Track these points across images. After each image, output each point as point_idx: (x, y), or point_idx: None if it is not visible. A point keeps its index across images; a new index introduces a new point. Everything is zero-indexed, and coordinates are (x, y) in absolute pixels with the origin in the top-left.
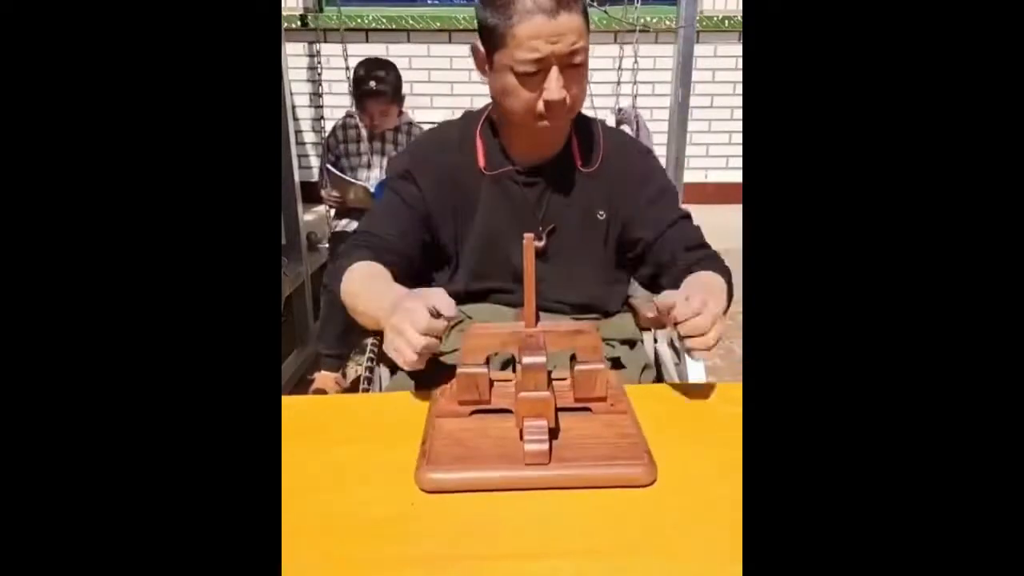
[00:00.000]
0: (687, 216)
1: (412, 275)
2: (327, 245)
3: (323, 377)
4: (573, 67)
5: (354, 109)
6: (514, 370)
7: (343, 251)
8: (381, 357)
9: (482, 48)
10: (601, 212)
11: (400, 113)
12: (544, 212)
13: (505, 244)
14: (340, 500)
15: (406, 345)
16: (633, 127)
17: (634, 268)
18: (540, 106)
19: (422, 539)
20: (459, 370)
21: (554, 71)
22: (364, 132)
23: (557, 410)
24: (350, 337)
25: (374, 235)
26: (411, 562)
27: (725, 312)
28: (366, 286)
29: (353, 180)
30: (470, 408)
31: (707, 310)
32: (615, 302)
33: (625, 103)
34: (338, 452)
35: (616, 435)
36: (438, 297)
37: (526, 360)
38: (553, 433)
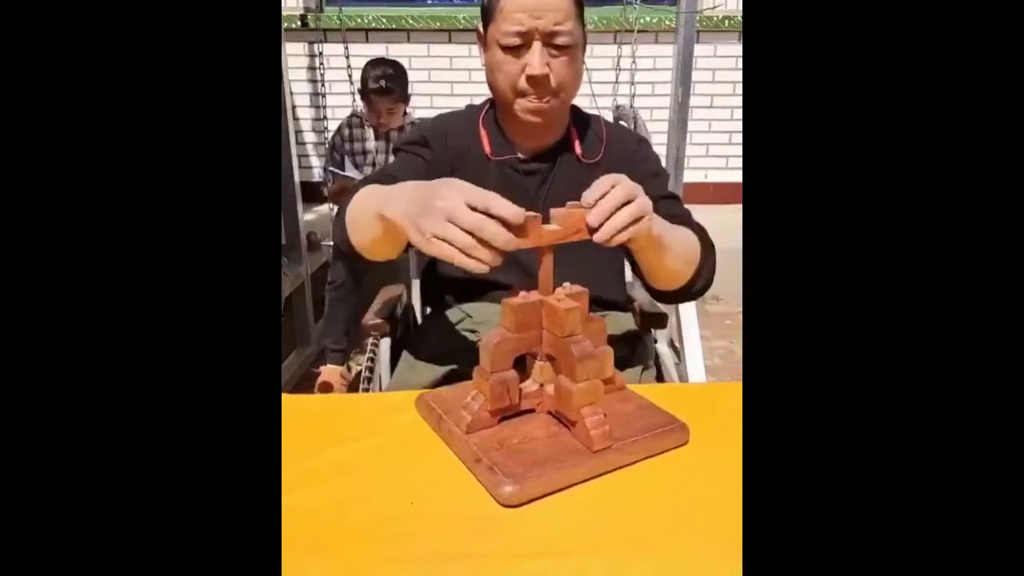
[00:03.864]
0: (674, 197)
1: None
2: (331, 243)
3: (329, 370)
4: (558, 48)
5: (360, 107)
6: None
7: (353, 192)
8: (391, 349)
9: (481, 27)
10: None
11: (405, 112)
12: (544, 201)
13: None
14: (340, 499)
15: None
16: (631, 124)
17: (625, 252)
18: (522, 82)
19: (422, 538)
20: (491, 379)
21: (536, 46)
22: (369, 131)
23: (548, 412)
24: (355, 332)
25: (388, 176)
26: (411, 561)
27: (689, 280)
28: (368, 195)
29: (354, 176)
30: (499, 416)
31: (615, 192)
32: (617, 290)
33: (623, 103)
34: (338, 451)
35: (636, 408)
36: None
37: (575, 349)
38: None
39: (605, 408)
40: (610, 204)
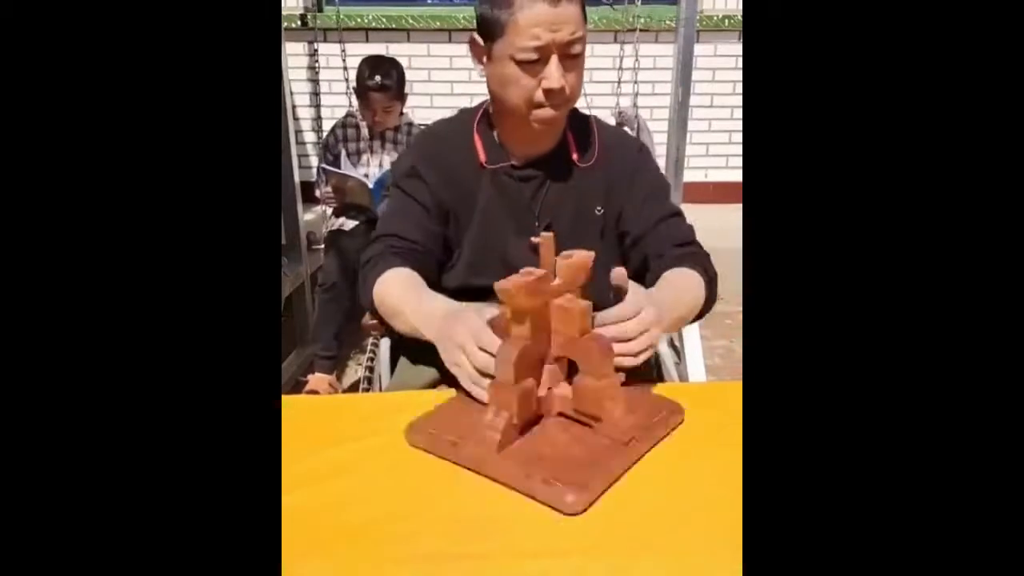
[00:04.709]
0: (678, 213)
1: (436, 272)
2: (323, 246)
3: (317, 379)
4: (571, 57)
5: (356, 108)
6: None
7: (371, 259)
8: (391, 349)
9: (480, 40)
10: (599, 207)
11: (402, 113)
12: (540, 207)
13: (502, 239)
14: (340, 499)
15: (467, 362)
16: (634, 128)
17: (623, 261)
18: (539, 95)
19: (422, 538)
20: (518, 391)
21: (554, 59)
22: (364, 131)
23: (560, 414)
24: (345, 337)
25: (397, 237)
26: (411, 560)
27: (694, 318)
28: (406, 295)
29: (349, 174)
30: (525, 428)
31: (640, 318)
32: (615, 299)
33: (625, 103)
34: (338, 452)
35: (583, 456)
36: (487, 336)
37: (599, 349)
38: (527, 429)
39: (561, 438)
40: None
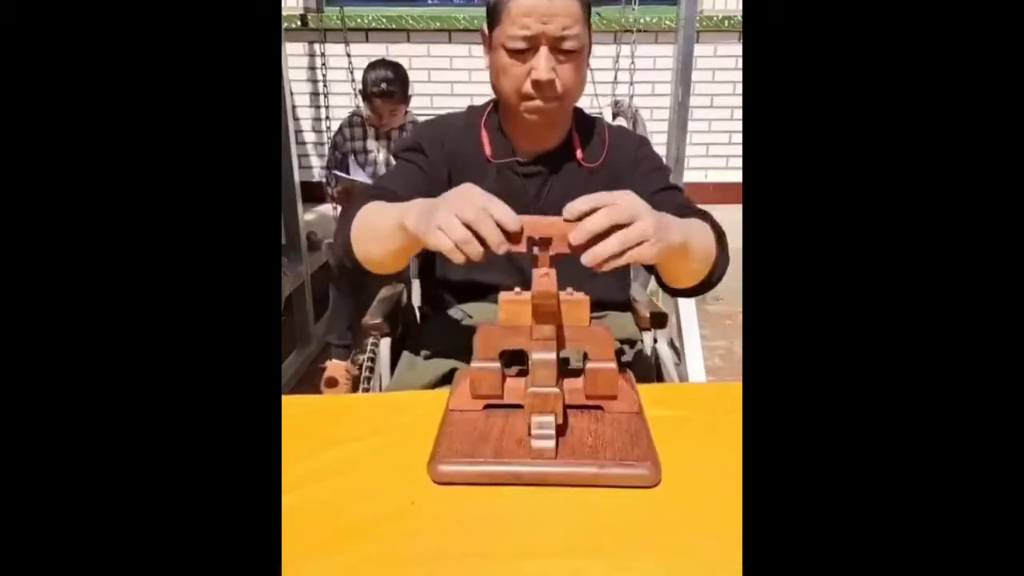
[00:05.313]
0: (678, 188)
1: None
2: (332, 240)
3: (334, 365)
4: (565, 53)
5: (361, 107)
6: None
7: (353, 204)
8: (391, 349)
9: (486, 29)
10: None
11: (406, 112)
12: (543, 204)
13: None
14: (340, 499)
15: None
16: (629, 121)
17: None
18: (528, 86)
19: (422, 537)
20: (473, 365)
21: (543, 50)
22: (371, 130)
23: (567, 407)
24: (358, 328)
25: (386, 190)
26: (411, 560)
27: (707, 272)
28: (380, 211)
29: (357, 179)
30: (483, 403)
31: (605, 212)
32: (617, 292)
33: (621, 98)
34: (338, 451)
35: (624, 434)
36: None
37: (536, 356)
38: (561, 430)
39: (593, 425)
40: (592, 227)
